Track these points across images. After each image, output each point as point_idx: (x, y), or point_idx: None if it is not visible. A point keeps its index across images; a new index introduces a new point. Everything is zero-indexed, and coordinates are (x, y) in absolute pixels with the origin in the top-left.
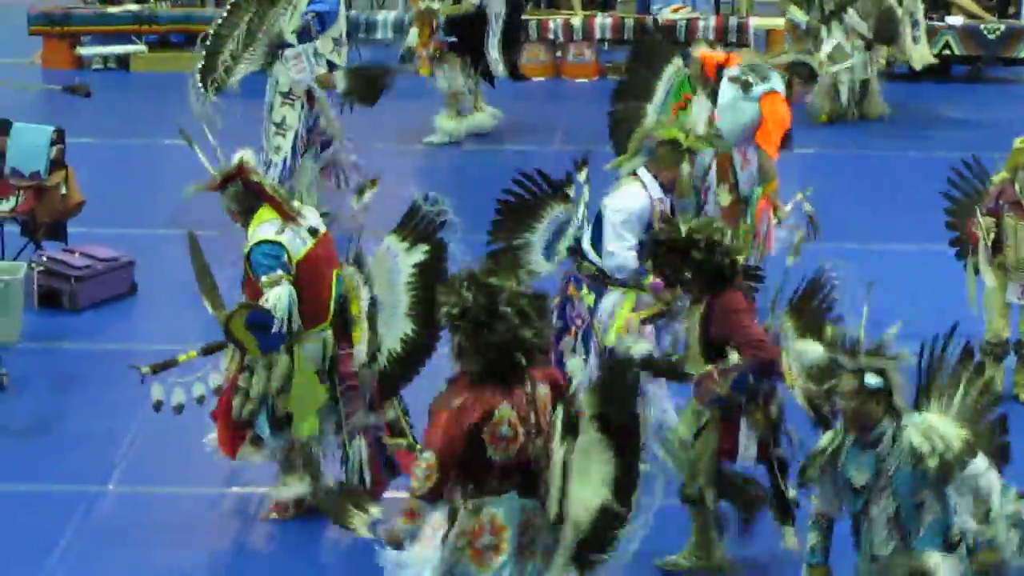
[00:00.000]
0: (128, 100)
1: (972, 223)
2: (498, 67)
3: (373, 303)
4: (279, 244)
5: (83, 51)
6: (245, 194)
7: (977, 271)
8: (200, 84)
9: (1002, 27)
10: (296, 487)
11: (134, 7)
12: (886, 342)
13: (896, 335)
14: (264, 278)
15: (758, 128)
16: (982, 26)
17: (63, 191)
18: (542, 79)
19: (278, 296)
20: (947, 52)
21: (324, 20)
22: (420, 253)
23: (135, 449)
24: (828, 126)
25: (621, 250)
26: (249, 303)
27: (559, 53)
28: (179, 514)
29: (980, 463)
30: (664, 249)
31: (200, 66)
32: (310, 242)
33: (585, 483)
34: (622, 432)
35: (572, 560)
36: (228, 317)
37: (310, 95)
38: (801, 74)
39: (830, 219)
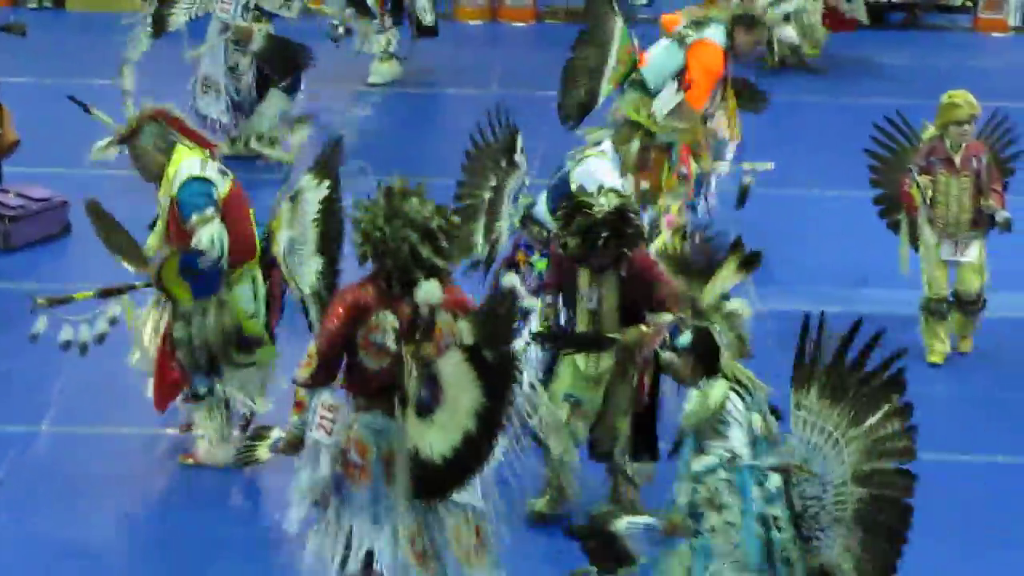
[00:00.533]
0: (64, 39)
1: (905, 182)
2: (427, 16)
3: (291, 242)
4: (208, 180)
5: None
6: (167, 132)
7: (911, 230)
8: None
9: None
10: (221, 451)
11: None
12: (737, 305)
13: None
14: (195, 217)
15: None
16: None
17: None
18: (479, 23)
19: (211, 235)
20: None
21: None
22: (324, 188)
23: (69, 390)
24: (774, 74)
25: None
26: (178, 248)
27: None
28: (114, 456)
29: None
30: (578, 215)
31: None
32: (230, 177)
33: (451, 414)
34: (494, 368)
35: (414, 493)
36: (159, 268)
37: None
38: (744, 23)
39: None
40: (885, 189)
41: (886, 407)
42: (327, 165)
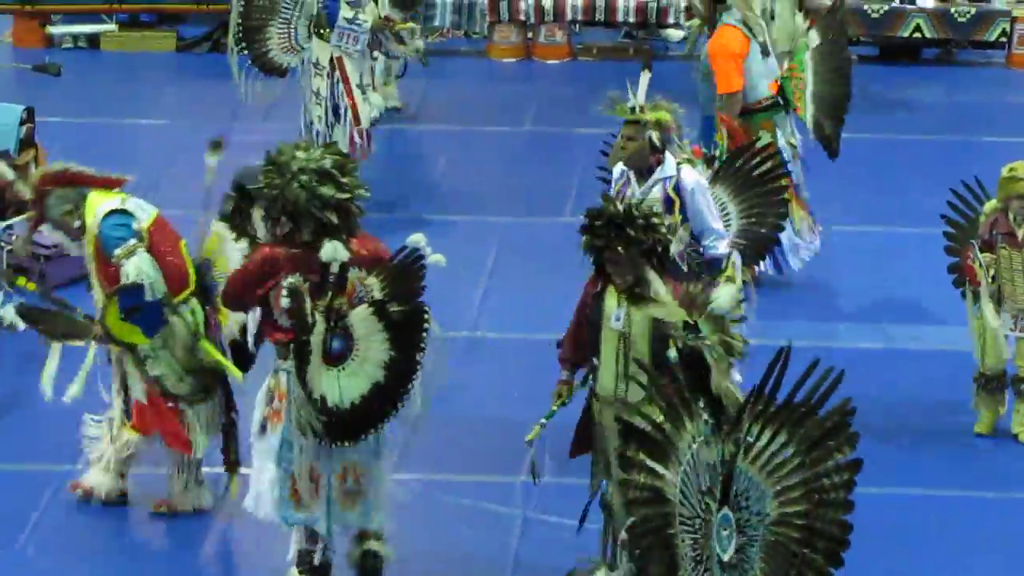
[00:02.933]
0: (98, 79)
1: (969, 256)
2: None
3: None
4: (126, 212)
5: (53, 30)
6: (70, 191)
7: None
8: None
9: (972, 10)
10: (104, 479)
11: None
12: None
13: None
14: (119, 251)
15: None
16: (952, 9)
17: (33, 170)
18: (513, 60)
19: (137, 265)
20: (918, 35)
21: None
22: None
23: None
24: None
25: None
26: (111, 290)
27: (531, 34)
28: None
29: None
30: (602, 223)
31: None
32: (153, 210)
33: (361, 364)
34: (402, 323)
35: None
36: (102, 320)
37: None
38: None
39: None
40: (959, 258)
41: (837, 457)
42: (241, 223)
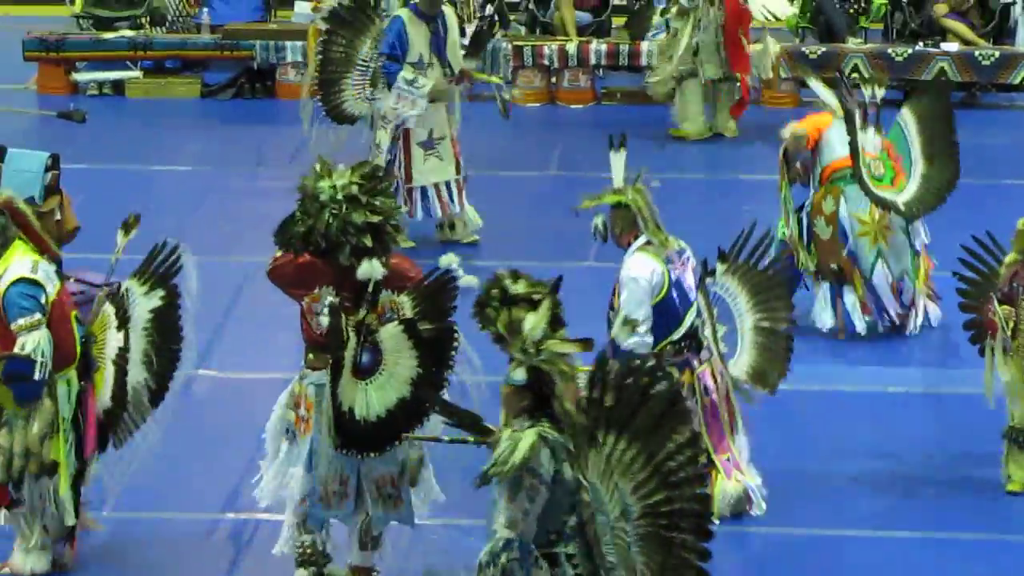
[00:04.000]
0: (123, 126)
1: (989, 310)
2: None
3: (125, 346)
4: (38, 284)
5: (78, 77)
6: (7, 226)
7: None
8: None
9: (996, 53)
10: (36, 560)
11: (129, 33)
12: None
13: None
14: (22, 321)
15: None
16: (977, 52)
17: (58, 217)
18: (537, 105)
19: (37, 341)
20: (942, 79)
21: (393, 59)
22: (157, 298)
23: (130, 474)
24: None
25: None
26: (2, 354)
27: (554, 79)
28: (174, 540)
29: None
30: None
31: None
32: (58, 281)
33: (388, 379)
34: (431, 341)
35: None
36: None
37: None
38: None
39: None
40: (976, 314)
41: (677, 439)
42: (158, 272)
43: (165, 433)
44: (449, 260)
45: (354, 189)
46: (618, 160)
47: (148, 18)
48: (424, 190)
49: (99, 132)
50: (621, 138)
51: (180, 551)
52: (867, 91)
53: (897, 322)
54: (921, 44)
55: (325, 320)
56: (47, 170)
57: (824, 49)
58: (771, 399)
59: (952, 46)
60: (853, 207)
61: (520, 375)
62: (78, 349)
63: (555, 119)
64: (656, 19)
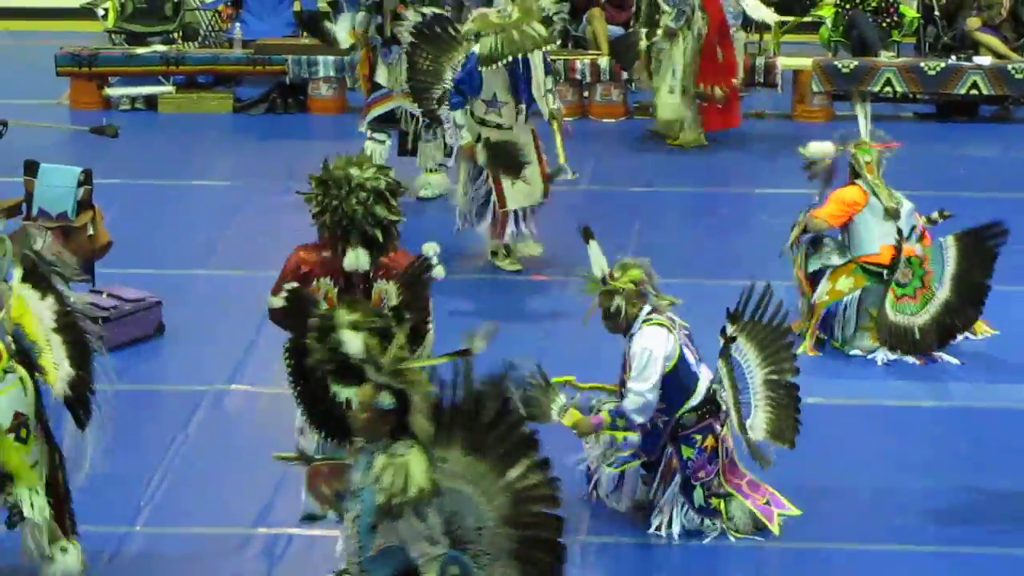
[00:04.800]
0: (155, 141)
1: None
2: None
3: (67, 313)
4: None
5: (110, 92)
6: None
7: None
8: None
9: None
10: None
11: (162, 48)
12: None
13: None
14: None
15: None
16: (1010, 66)
17: (90, 232)
18: (569, 119)
19: None
20: (975, 92)
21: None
22: (52, 305)
23: (163, 489)
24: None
25: None
26: None
27: (586, 94)
28: (208, 555)
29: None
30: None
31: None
32: None
33: None
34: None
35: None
36: None
37: None
38: None
39: None
40: None
41: (526, 462)
42: (42, 280)
43: (197, 448)
44: (430, 248)
45: (382, 184)
46: (593, 251)
47: (180, 33)
48: (516, 214)
49: (131, 147)
50: (586, 231)
51: (212, 566)
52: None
53: None
54: (954, 58)
55: (282, 302)
56: (80, 185)
57: (857, 63)
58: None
59: (985, 60)
60: (868, 304)
61: (387, 400)
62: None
63: (587, 133)
64: (642, 44)
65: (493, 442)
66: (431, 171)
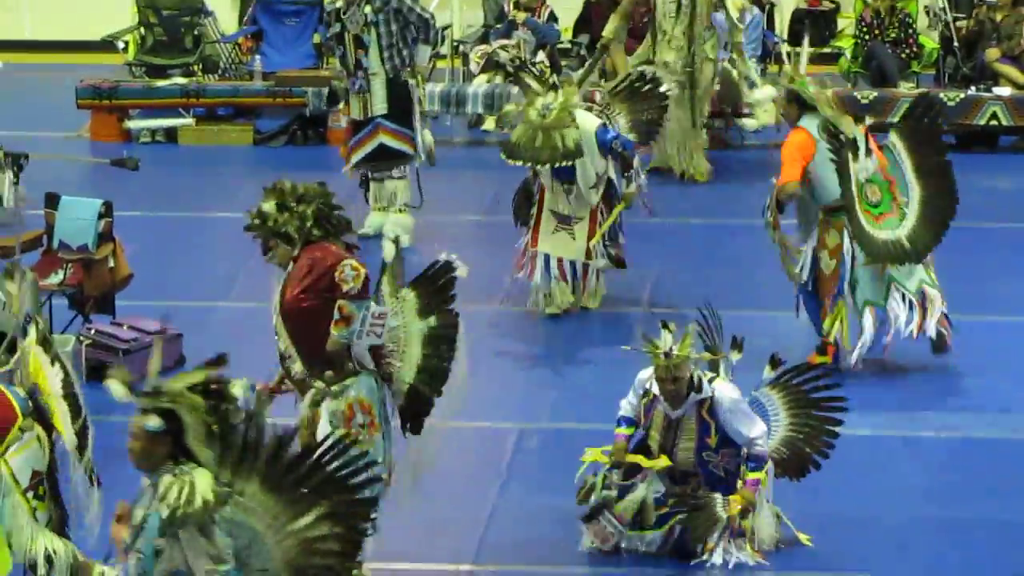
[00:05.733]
0: (176, 173)
1: None
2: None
3: (68, 376)
4: None
5: (131, 124)
6: None
7: None
8: None
9: None
10: None
11: (182, 80)
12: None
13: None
14: None
15: None
16: None
17: (111, 264)
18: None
19: None
20: (994, 123)
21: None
22: (59, 373)
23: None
24: None
25: None
26: None
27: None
28: None
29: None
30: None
31: None
32: None
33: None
34: (439, 329)
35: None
36: None
37: None
38: None
39: None
40: None
41: (318, 510)
42: (52, 347)
43: None
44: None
45: (332, 199)
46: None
47: (200, 65)
48: (548, 257)
49: (152, 179)
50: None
51: None
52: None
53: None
54: (973, 89)
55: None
56: (100, 217)
57: (876, 94)
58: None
59: (1004, 90)
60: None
61: (154, 422)
62: (15, 404)
63: None
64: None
65: (290, 485)
66: (400, 210)
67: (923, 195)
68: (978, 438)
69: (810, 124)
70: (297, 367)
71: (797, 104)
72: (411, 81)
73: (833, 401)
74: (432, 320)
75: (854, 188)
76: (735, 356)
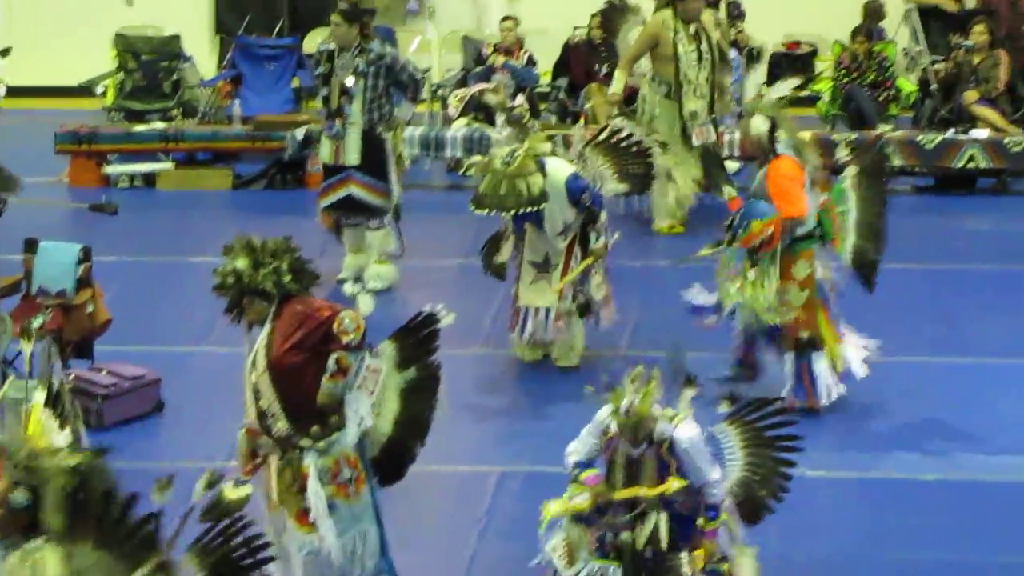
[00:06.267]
0: (155, 218)
1: None
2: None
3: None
4: None
5: (110, 169)
6: None
7: None
8: None
9: None
10: None
11: (161, 125)
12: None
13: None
14: None
15: None
16: (1007, 139)
17: (90, 309)
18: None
19: None
20: (972, 165)
21: None
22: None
23: None
24: None
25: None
26: None
27: None
28: None
29: None
30: None
31: None
32: None
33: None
34: (419, 381)
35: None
36: None
37: None
38: None
39: (859, 332)
40: None
41: (150, 564)
42: (64, 411)
43: (198, 525)
44: (365, 302)
45: (300, 252)
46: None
47: (180, 110)
48: (527, 310)
49: (131, 224)
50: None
51: None
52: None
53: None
54: (951, 131)
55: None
56: (79, 262)
57: (855, 136)
58: (799, 485)
59: (982, 133)
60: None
61: (21, 497)
62: None
63: None
64: None
65: (120, 539)
66: (380, 262)
67: (859, 217)
68: (951, 480)
69: (786, 150)
70: (281, 425)
71: (773, 132)
72: (386, 135)
73: (788, 440)
74: (411, 372)
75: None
76: (690, 392)
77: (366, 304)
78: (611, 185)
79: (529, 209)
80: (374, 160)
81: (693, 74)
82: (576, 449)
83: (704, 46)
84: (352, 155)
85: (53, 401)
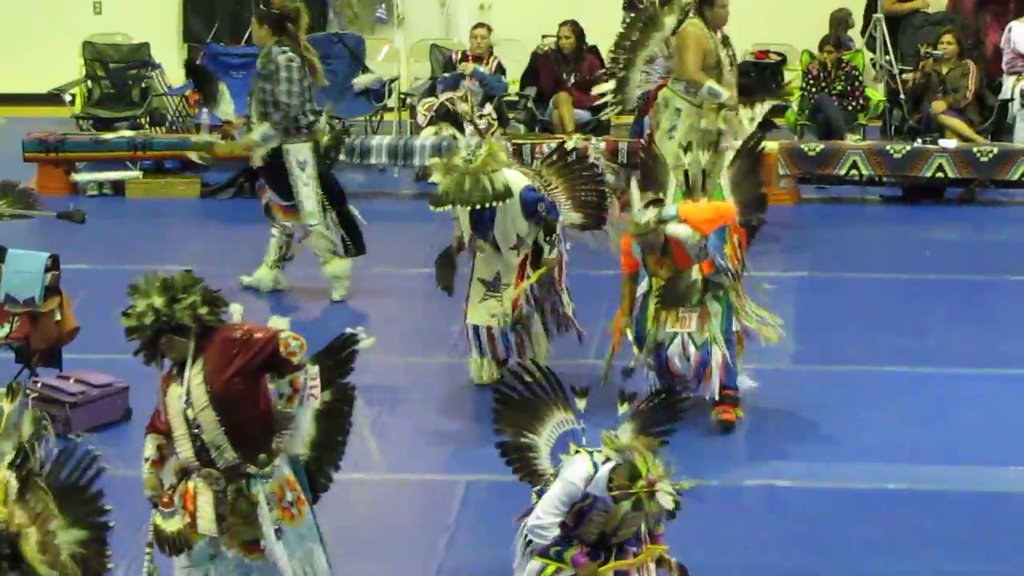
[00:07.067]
0: (123, 226)
1: None
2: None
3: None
4: None
5: (78, 177)
6: None
7: None
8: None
9: (995, 150)
10: None
11: (129, 133)
12: None
13: None
14: None
15: None
16: (975, 149)
17: (57, 318)
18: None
19: None
20: (940, 175)
21: None
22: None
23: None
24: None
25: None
26: None
27: None
28: None
29: None
30: None
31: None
32: None
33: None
34: (333, 403)
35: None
36: None
37: None
38: None
39: (827, 341)
40: None
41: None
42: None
43: None
44: (277, 323)
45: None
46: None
47: (148, 118)
48: (476, 328)
49: (99, 232)
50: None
51: None
52: None
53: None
54: (920, 141)
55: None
56: (47, 271)
57: (823, 146)
58: (774, 496)
59: (950, 143)
60: None
61: None
62: None
63: None
64: None
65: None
66: (327, 261)
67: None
68: (921, 490)
69: None
70: (229, 455)
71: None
72: (289, 146)
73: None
74: (326, 395)
75: None
76: (580, 403)
77: (277, 320)
78: (566, 213)
79: (494, 204)
80: (277, 175)
81: (729, 75)
82: (551, 523)
83: (729, 52)
84: (256, 159)
85: (21, 465)
